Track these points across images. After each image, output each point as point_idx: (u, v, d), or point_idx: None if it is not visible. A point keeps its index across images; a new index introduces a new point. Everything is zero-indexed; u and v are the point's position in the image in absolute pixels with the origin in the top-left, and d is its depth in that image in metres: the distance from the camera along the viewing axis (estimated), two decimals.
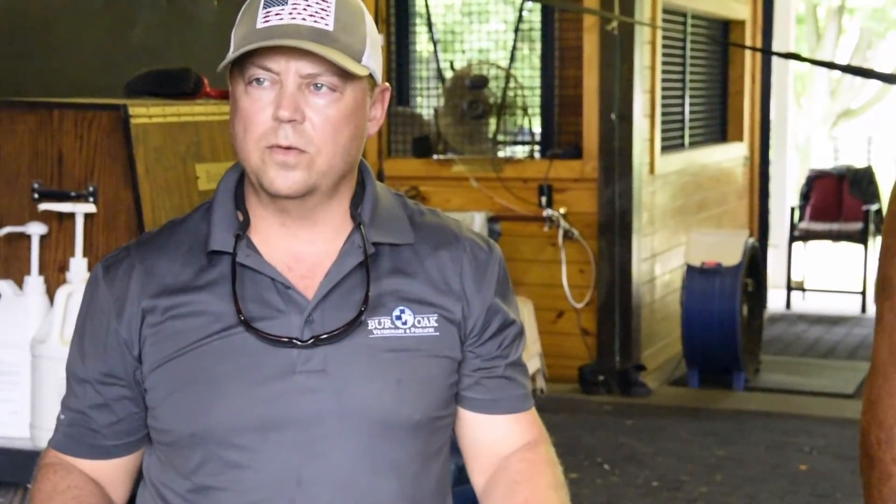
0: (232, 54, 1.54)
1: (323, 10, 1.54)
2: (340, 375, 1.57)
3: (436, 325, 1.62)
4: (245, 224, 1.62)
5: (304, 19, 1.53)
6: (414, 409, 1.60)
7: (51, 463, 1.67)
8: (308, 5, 1.54)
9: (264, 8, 1.55)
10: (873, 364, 1.60)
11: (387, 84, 1.65)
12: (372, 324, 1.59)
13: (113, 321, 1.61)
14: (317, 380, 1.56)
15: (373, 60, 1.59)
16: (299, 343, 1.56)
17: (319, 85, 1.54)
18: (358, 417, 1.57)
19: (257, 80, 1.54)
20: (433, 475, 1.65)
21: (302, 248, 1.61)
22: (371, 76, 1.60)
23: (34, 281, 2.39)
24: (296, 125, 1.53)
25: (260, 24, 1.54)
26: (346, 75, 1.54)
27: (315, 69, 1.53)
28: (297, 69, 1.53)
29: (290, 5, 1.54)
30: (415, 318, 1.61)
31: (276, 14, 1.54)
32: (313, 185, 1.56)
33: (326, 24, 1.54)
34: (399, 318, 1.61)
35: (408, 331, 1.60)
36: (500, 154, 6.87)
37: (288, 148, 1.53)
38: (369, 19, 1.61)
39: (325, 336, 1.56)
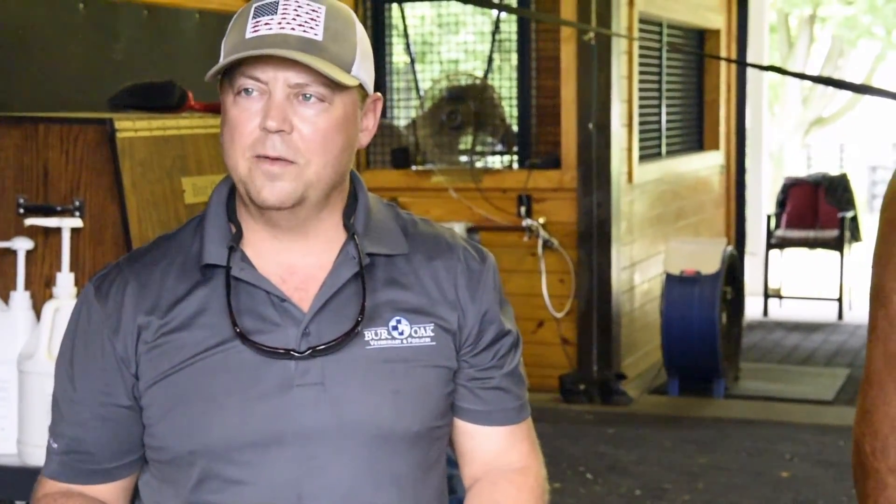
0: (219, 64, 1.54)
1: (312, 19, 1.54)
2: (338, 388, 1.56)
3: (432, 334, 1.61)
4: (238, 236, 1.60)
5: (293, 29, 1.53)
6: (412, 420, 1.59)
7: (49, 493, 1.63)
8: (297, 15, 1.53)
9: (254, 17, 1.54)
10: (867, 373, 1.60)
11: (378, 94, 1.64)
12: (368, 335, 1.58)
13: (108, 339, 1.59)
14: (315, 393, 1.55)
15: (363, 71, 1.59)
16: (296, 354, 1.55)
17: (308, 95, 1.53)
18: (357, 430, 1.56)
19: (246, 90, 1.54)
20: (432, 485, 1.65)
21: (295, 260, 1.60)
22: (362, 86, 1.59)
23: (20, 296, 2.37)
24: (283, 135, 1.52)
25: (249, 34, 1.53)
26: (334, 85, 1.54)
27: (303, 79, 1.52)
28: (286, 79, 1.52)
29: (279, 15, 1.53)
30: (411, 328, 1.60)
31: (266, 24, 1.53)
32: (301, 195, 1.54)
33: (315, 34, 1.53)
34: (395, 328, 1.60)
35: (404, 341, 1.60)
36: (479, 164, 6.88)
37: (276, 159, 1.52)
38: (360, 30, 1.61)
39: (321, 347, 1.55)
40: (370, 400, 1.57)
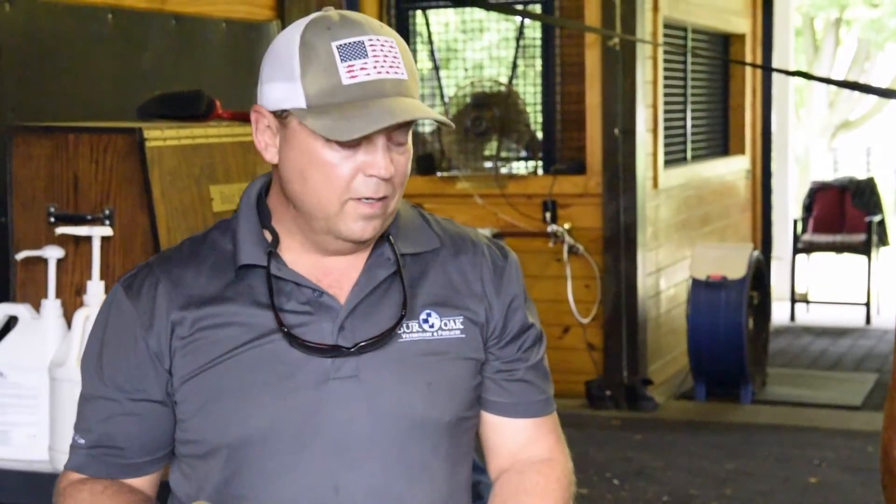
0: (365, 130, 1.52)
1: (395, 57, 1.56)
2: (373, 381, 1.60)
3: (461, 327, 1.66)
4: (275, 242, 1.64)
5: (386, 72, 1.55)
6: (444, 412, 1.63)
7: (76, 480, 1.65)
8: (385, 56, 1.56)
9: (344, 61, 1.54)
10: (894, 378, 1.61)
11: None
12: (401, 328, 1.62)
13: (140, 335, 1.61)
14: (350, 386, 1.59)
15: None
16: (346, 350, 1.58)
17: (400, 140, 1.59)
18: (391, 421, 1.60)
19: None
20: (462, 477, 1.69)
21: (329, 261, 1.64)
22: None
23: (51, 304, 2.40)
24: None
25: (346, 80, 1.53)
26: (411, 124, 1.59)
27: (403, 137, 1.59)
28: (390, 134, 1.57)
29: (371, 58, 1.54)
30: (441, 320, 1.65)
31: (361, 68, 1.54)
32: (385, 227, 1.62)
33: (402, 73, 1.56)
34: (426, 321, 1.64)
35: (435, 333, 1.64)
36: (504, 170, 6.89)
37: (380, 199, 1.58)
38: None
39: (364, 343, 1.59)
40: (404, 391, 1.61)
